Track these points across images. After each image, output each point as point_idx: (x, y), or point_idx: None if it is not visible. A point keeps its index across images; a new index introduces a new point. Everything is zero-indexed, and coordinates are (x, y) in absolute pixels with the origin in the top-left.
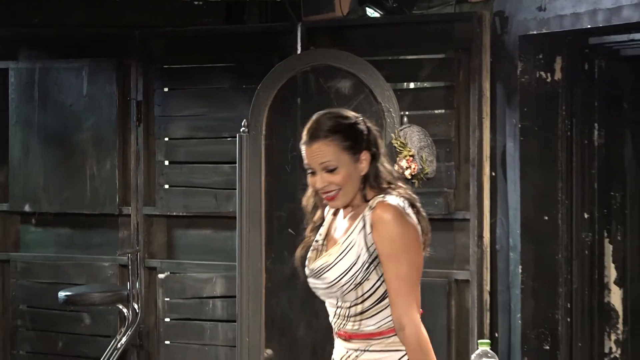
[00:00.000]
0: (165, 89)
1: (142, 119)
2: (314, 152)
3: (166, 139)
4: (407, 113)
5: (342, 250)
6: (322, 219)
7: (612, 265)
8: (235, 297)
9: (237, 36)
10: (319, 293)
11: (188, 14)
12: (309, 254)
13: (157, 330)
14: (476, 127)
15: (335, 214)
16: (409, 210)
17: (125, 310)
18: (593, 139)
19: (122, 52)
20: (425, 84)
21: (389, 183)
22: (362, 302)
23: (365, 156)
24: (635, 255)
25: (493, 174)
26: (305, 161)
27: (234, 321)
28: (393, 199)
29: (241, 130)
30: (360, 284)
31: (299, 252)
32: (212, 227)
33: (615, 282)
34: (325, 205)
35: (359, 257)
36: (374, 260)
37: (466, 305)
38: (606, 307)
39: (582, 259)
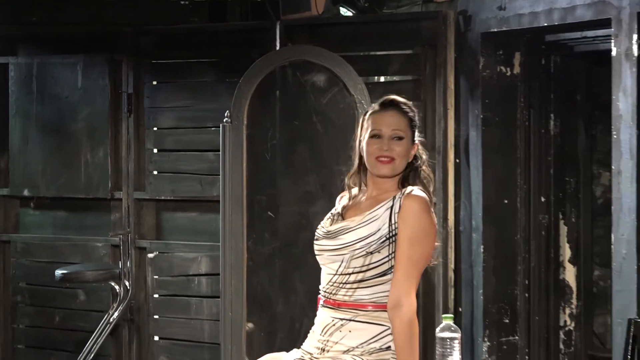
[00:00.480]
0: (154, 82)
1: (132, 110)
2: (388, 118)
3: (155, 128)
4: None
5: (365, 219)
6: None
7: (567, 245)
8: (219, 274)
9: (220, 33)
10: (325, 255)
11: (175, 13)
12: (322, 222)
13: (147, 306)
14: (441, 118)
15: (353, 198)
16: (432, 208)
17: (117, 287)
18: (549, 128)
19: (114, 48)
20: (394, 78)
21: (423, 181)
22: (366, 271)
23: (415, 146)
24: (588, 235)
25: (457, 161)
26: (376, 126)
27: (218, 297)
28: (424, 193)
29: (224, 120)
30: (371, 253)
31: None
32: (198, 210)
33: (569, 261)
34: (356, 186)
35: (379, 229)
36: (391, 237)
37: (432, 282)
38: (561, 284)
39: (539, 239)
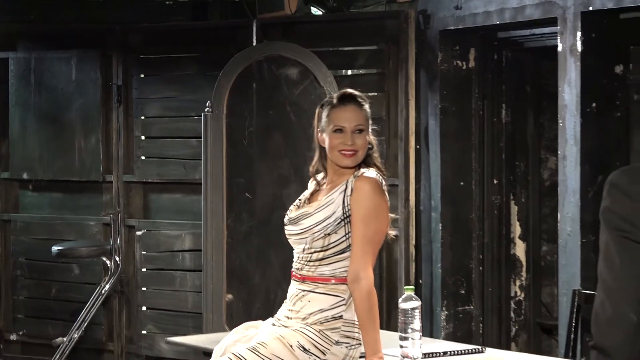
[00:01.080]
0: (142, 76)
1: (122, 101)
2: (349, 113)
3: (142, 117)
4: None
5: (322, 204)
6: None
7: (517, 223)
8: (201, 250)
9: (201, 31)
10: (292, 239)
11: (160, 12)
12: (290, 209)
13: (135, 279)
14: (403, 108)
15: (319, 184)
16: (384, 188)
17: (108, 262)
18: (501, 117)
19: (104, 44)
20: (360, 71)
21: (375, 163)
22: (326, 250)
23: (370, 135)
24: (536, 214)
25: (417, 147)
26: (338, 122)
27: (200, 271)
28: (375, 174)
29: (205, 110)
30: (329, 234)
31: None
32: (182, 192)
33: (519, 237)
34: (318, 174)
35: (334, 212)
36: (346, 218)
37: (395, 257)
38: (512, 258)
39: (491, 217)
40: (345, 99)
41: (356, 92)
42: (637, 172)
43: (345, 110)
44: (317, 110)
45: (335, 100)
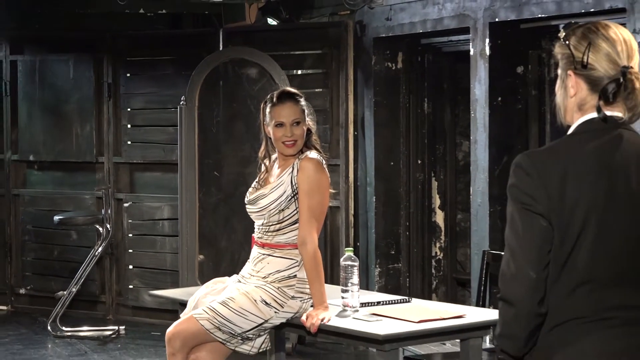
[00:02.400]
0: (128, 75)
1: (111, 96)
2: (287, 109)
3: (129, 109)
4: None
5: (274, 185)
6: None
7: (437, 196)
8: (177, 219)
9: (177, 38)
10: (252, 216)
11: (143, 22)
12: (249, 191)
13: (123, 242)
14: (344, 101)
15: (269, 168)
16: (324, 166)
17: (100, 229)
18: (424, 109)
19: (97, 48)
20: (308, 71)
21: (314, 146)
22: (281, 222)
23: (307, 124)
24: (453, 188)
25: (355, 133)
26: (278, 118)
27: (177, 236)
28: (316, 155)
29: (181, 103)
30: (282, 210)
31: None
32: (161, 171)
33: (439, 207)
34: (267, 158)
35: (285, 191)
36: (295, 195)
37: (337, 224)
38: (433, 225)
39: (416, 191)
40: (283, 97)
41: (292, 90)
42: (537, 155)
43: (283, 107)
44: (261, 106)
45: (275, 99)
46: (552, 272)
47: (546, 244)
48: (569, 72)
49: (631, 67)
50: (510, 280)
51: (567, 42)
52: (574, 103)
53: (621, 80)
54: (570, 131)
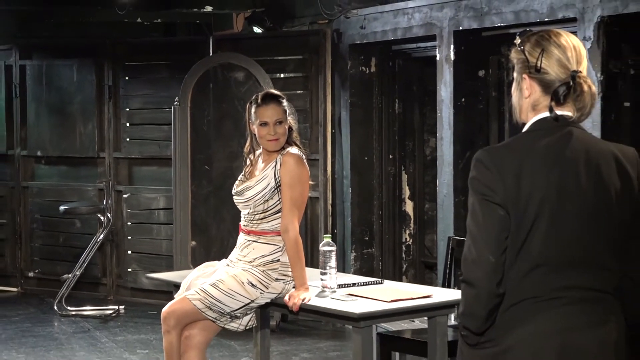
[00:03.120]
0: (127, 78)
1: (111, 97)
2: (270, 110)
3: (127, 109)
4: None
5: (259, 178)
6: (250, 163)
7: (407, 187)
8: (171, 208)
9: (171, 44)
10: (239, 206)
11: (140, 30)
12: (236, 183)
13: (123, 230)
14: (322, 102)
15: (254, 163)
16: (304, 161)
17: (102, 218)
18: (395, 109)
19: (99, 54)
20: (290, 75)
21: (295, 142)
22: (265, 211)
23: (288, 122)
24: (421, 181)
25: (333, 131)
26: (262, 118)
27: (171, 224)
28: (297, 150)
29: (174, 104)
30: (267, 200)
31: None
32: (157, 165)
33: (409, 198)
34: (252, 153)
35: (269, 184)
36: (278, 187)
37: (317, 213)
38: (403, 213)
39: (388, 183)
40: (267, 99)
41: (275, 92)
42: (495, 151)
43: (267, 108)
44: (247, 106)
45: (259, 100)
46: (509, 257)
47: (504, 232)
48: (524, 75)
49: (580, 72)
50: (471, 264)
51: (522, 48)
52: (528, 103)
53: (571, 83)
54: (525, 129)
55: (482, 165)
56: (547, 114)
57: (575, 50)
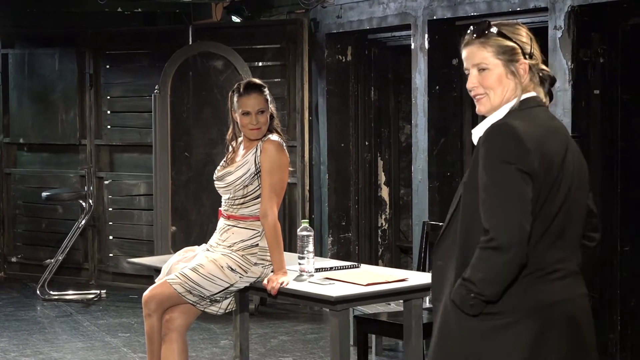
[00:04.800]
0: (107, 66)
1: (93, 85)
2: (252, 99)
3: (108, 97)
4: None
5: (239, 164)
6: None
7: (382, 173)
8: (152, 194)
9: (151, 33)
10: (220, 191)
11: (121, 19)
12: (217, 168)
13: (104, 216)
14: (300, 90)
15: (236, 149)
16: (284, 147)
17: (84, 204)
18: (370, 96)
19: (80, 43)
20: (268, 63)
21: (276, 130)
22: (245, 197)
23: (271, 110)
24: (396, 167)
25: (310, 118)
26: (244, 107)
27: (152, 209)
28: (277, 137)
29: (155, 92)
30: (246, 186)
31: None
32: (138, 152)
33: (384, 183)
34: (234, 140)
35: (249, 169)
36: (258, 173)
37: (294, 198)
38: (379, 199)
39: (364, 169)
40: (249, 88)
41: (257, 81)
42: (523, 125)
43: (249, 97)
44: (230, 94)
45: (242, 89)
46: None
47: (532, 202)
48: (521, 60)
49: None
50: (507, 230)
51: (510, 37)
52: (520, 86)
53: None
54: (515, 104)
55: (516, 138)
56: (534, 93)
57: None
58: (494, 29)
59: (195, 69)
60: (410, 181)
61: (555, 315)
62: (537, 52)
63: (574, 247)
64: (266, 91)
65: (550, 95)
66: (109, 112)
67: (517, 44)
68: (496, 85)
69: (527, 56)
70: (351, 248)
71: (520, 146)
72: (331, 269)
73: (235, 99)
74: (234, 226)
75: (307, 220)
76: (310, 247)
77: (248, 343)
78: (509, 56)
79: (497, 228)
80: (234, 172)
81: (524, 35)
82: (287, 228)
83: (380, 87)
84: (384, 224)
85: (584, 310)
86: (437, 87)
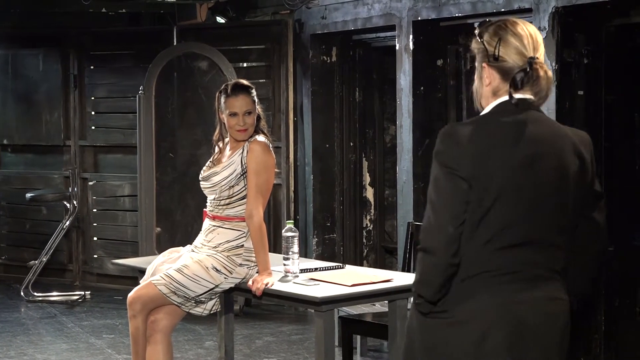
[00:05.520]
0: (92, 67)
1: (77, 86)
2: (240, 100)
3: (92, 98)
4: None
5: (226, 164)
6: (218, 150)
7: (367, 174)
8: (137, 195)
9: (136, 34)
10: (205, 191)
11: (105, 20)
12: (203, 169)
13: (88, 217)
14: (284, 90)
15: (222, 150)
16: (271, 148)
17: (68, 205)
18: (355, 97)
19: (64, 43)
20: (253, 64)
21: (262, 130)
22: (230, 197)
23: (258, 111)
24: (381, 167)
25: (295, 119)
26: (232, 108)
27: (136, 210)
28: (264, 138)
29: (139, 92)
30: (232, 186)
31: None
32: (122, 153)
33: (369, 184)
34: (221, 140)
35: (235, 170)
36: (244, 173)
37: (279, 199)
38: (364, 199)
39: (349, 170)
40: (237, 89)
41: (245, 82)
42: (463, 126)
43: (237, 99)
44: (217, 95)
45: (229, 90)
46: (468, 230)
47: (464, 204)
48: (484, 64)
49: (537, 58)
50: (430, 233)
51: (481, 39)
52: (489, 91)
53: (528, 69)
54: (486, 110)
55: (450, 140)
56: (507, 97)
57: (531, 37)
58: (477, 30)
59: (180, 70)
60: (395, 182)
61: (500, 318)
62: (511, 51)
63: (548, 252)
64: (253, 92)
65: (514, 84)
66: (93, 112)
67: (484, 45)
68: (478, 86)
69: (491, 58)
70: (336, 249)
71: (456, 150)
72: (316, 269)
73: (222, 99)
74: (219, 227)
75: (292, 221)
76: (295, 248)
77: (233, 344)
78: (480, 58)
79: (423, 230)
80: (220, 173)
81: (491, 33)
82: (272, 229)
83: (365, 87)
84: (368, 225)
85: (546, 314)
86: (422, 88)
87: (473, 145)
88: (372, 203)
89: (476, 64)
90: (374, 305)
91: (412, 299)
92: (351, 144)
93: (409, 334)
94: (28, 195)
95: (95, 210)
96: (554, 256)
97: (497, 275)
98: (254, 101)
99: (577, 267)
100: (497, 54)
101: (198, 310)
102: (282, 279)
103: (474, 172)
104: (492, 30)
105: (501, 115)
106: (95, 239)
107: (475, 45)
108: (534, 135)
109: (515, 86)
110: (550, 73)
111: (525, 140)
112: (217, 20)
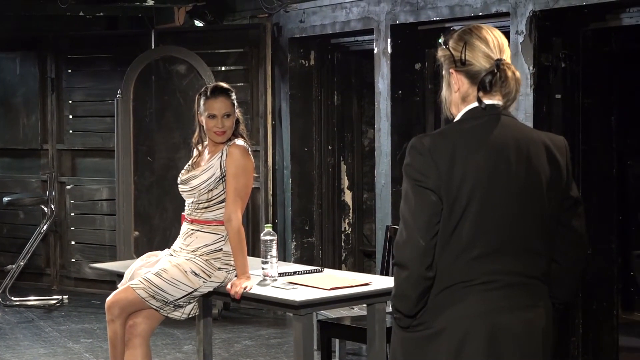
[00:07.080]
0: (69, 71)
1: (54, 89)
2: (219, 103)
3: (70, 101)
4: None
5: (204, 168)
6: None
7: (346, 178)
8: (114, 199)
9: (114, 37)
10: (184, 195)
11: (83, 23)
12: (181, 172)
13: (66, 221)
14: (263, 94)
15: (201, 152)
16: (249, 152)
17: (45, 209)
18: (334, 101)
19: (42, 47)
20: (231, 68)
21: (241, 134)
22: (209, 201)
23: (236, 114)
24: (360, 171)
25: (273, 122)
26: (210, 111)
27: (114, 214)
28: (243, 142)
29: (117, 96)
30: (211, 190)
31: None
32: (100, 157)
33: (348, 188)
34: (200, 143)
35: (214, 174)
36: (223, 177)
37: (258, 203)
38: (342, 203)
39: (327, 173)
40: (216, 92)
41: (224, 85)
42: (428, 138)
43: (216, 101)
44: (196, 98)
45: (208, 93)
46: (441, 241)
47: (435, 216)
48: (451, 70)
49: (503, 59)
50: (402, 247)
51: (446, 46)
52: (458, 97)
53: (496, 71)
54: (457, 119)
55: (416, 152)
56: (476, 104)
57: (497, 40)
58: (441, 38)
59: (158, 73)
60: (374, 185)
61: (477, 326)
62: (478, 55)
63: (524, 258)
64: (233, 95)
65: (483, 87)
66: (70, 116)
67: (450, 52)
68: (447, 94)
69: (458, 63)
70: (315, 252)
71: (421, 162)
72: (295, 273)
73: (201, 101)
74: (197, 230)
75: (271, 225)
76: (274, 252)
77: (211, 348)
78: (447, 65)
79: (396, 245)
80: (199, 176)
81: (455, 39)
82: (250, 233)
83: (344, 91)
84: (347, 229)
85: (524, 322)
86: (400, 92)
87: (438, 155)
88: (351, 207)
89: (443, 72)
90: (353, 308)
91: (390, 302)
92: (329, 147)
93: (392, 350)
94: (5, 199)
95: (73, 214)
96: (532, 263)
97: (473, 285)
98: (234, 104)
99: (560, 274)
100: (463, 58)
101: (176, 314)
102: (261, 283)
103: (440, 183)
104: (456, 36)
105: (469, 122)
106: (73, 243)
107: (441, 53)
108: (500, 140)
109: (484, 89)
110: (518, 74)
111: (491, 146)
112: (195, 23)
